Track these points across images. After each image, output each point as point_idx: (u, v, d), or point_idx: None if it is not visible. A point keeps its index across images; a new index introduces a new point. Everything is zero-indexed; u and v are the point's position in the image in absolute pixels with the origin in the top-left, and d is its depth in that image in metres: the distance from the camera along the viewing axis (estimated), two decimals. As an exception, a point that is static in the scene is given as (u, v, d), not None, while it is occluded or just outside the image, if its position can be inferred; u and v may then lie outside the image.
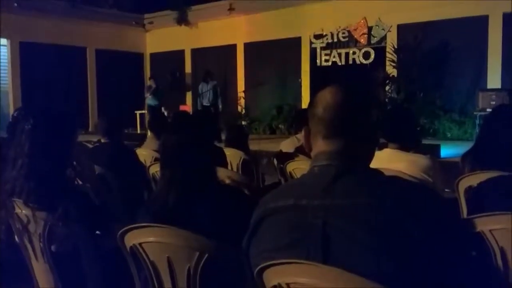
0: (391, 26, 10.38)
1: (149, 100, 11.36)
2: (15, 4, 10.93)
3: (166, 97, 11.66)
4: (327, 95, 1.25)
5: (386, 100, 10.00)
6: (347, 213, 1.12)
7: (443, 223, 1.16)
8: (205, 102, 10.51)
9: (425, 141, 8.35)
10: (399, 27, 10.28)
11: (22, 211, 1.82)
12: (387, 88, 10.08)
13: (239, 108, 12.58)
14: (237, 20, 12.44)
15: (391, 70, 10.14)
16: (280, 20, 11.69)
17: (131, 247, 1.48)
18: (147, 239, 1.43)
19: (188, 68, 13.94)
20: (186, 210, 1.52)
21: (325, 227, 1.12)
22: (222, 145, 3.86)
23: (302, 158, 3.29)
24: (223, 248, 1.38)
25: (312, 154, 1.28)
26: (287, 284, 1.12)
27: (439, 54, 9.54)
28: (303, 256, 1.12)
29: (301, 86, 11.02)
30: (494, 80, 9.04)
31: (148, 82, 12.38)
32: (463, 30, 9.33)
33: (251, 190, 2.58)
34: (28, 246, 1.87)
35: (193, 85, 13.47)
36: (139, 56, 14.54)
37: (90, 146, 4.03)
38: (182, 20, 13.23)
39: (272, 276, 1.15)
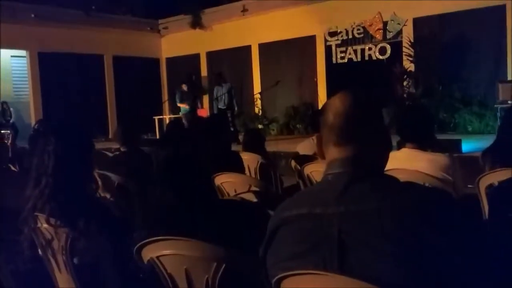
0: (406, 20, 10.25)
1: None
2: (32, 15, 11.17)
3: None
4: (337, 102, 1.24)
5: (404, 95, 9.90)
6: (361, 220, 1.11)
7: (459, 229, 1.14)
8: (221, 105, 10.53)
9: (445, 136, 8.25)
10: (415, 20, 10.14)
11: (44, 225, 1.85)
12: (405, 83, 9.97)
13: (256, 110, 12.59)
14: (250, 21, 12.45)
15: (408, 65, 10.03)
16: (293, 19, 11.66)
17: (148, 261, 1.49)
18: (163, 252, 1.44)
19: (204, 72, 14.01)
20: (193, 224, 1.51)
21: (340, 235, 1.12)
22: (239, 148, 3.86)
23: (320, 161, 3.27)
24: (240, 258, 1.39)
25: (325, 161, 1.28)
26: (305, 295, 1.12)
27: (456, 46, 9.38)
28: (319, 265, 1.12)
29: (317, 85, 10.94)
30: (515, 71, 8.86)
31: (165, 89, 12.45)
32: (480, 20, 9.16)
33: (269, 196, 2.57)
34: (51, 259, 1.91)
35: (210, 88, 13.54)
36: (155, 61, 14.67)
37: (110, 154, 4.09)
38: (196, 23, 13.32)
39: (289, 285, 1.15)
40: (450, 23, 9.53)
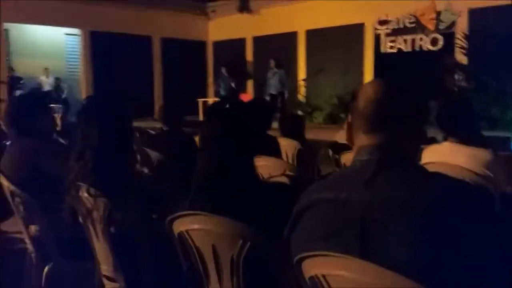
0: (461, 11, 9.84)
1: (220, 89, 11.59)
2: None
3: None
4: (368, 89, 1.24)
5: (455, 89, 9.56)
6: (387, 208, 1.11)
7: (488, 220, 1.13)
8: (272, 91, 10.60)
9: (495, 133, 7.92)
10: (470, 11, 9.71)
11: (85, 194, 1.95)
12: (456, 76, 9.62)
13: (299, 97, 12.53)
14: (298, 6, 12.30)
15: (461, 58, 9.66)
16: (342, 6, 11.43)
17: (178, 233, 1.55)
18: (192, 226, 1.49)
19: (249, 56, 14.03)
20: (226, 200, 1.54)
21: (363, 222, 1.13)
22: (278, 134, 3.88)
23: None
24: (265, 237, 1.42)
25: (354, 148, 1.28)
26: (323, 276, 1.14)
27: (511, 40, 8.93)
28: (341, 249, 1.13)
29: (362, 75, 10.72)
30: None
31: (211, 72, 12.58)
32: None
33: (305, 181, 2.58)
34: (90, 227, 2.01)
35: (255, 73, 13.58)
36: (202, 44, 14.82)
37: (153, 132, 4.21)
38: (244, 8, 13.33)
39: (309, 267, 1.17)
40: (507, 15, 9.07)
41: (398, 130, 1.21)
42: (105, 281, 2.10)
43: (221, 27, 14.49)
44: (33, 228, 2.40)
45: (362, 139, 1.24)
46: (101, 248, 2.04)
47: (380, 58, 11.15)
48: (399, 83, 1.26)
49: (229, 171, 1.56)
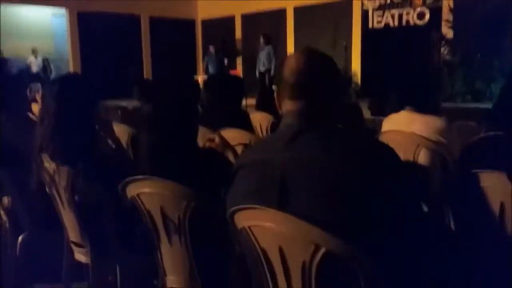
0: (448, -16, 9.83)
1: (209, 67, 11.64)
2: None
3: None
4: (292, 59, 1.32)
5: (441, 62, 9.61)
6: (303, 166, 1.21)
7: (399, 181, 1.22)
8: (261, 67, 10.66)
9: (481, 105, 8.02)
10: (457, -15, 9.71)
11: (49, 164, 2.05)
12: (442, 50, 9.66)
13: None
14: (287, -17, 12.25)
15: (446, 31, 9.68)
16: (330, -18, 11.40)
17: (130, 198, 1.65)
18: (142, 190, 1.60)
19: (238, 34, 13.99)
20: (172, 167, 1.65)
21: (282, 179, 1.22)
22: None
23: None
24: (207, 198, 1.53)
25: (281, 113, 1.37)
26: (249, 227, 1.24)
27: (497, 13, 8.94)
28: (264, 203, 1.23)
29: (345, 49, 10.74)
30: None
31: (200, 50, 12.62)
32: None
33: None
34: (56, 196, 2.11)
35: (244, 50, 13.57)
36: (191, 23, 14.74)
37: (130, 109, 4.28)
38: (232, -15, 13.22)
39: (239, 220, 1.28)
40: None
41: (318, 98, 1.29)
42: (74, 247, 2.22)
43: (210, 5, 14.38)
44: (5, 199, 2.50)
45: (287, 105, 1.33)
46: (67, 216, 2.14)
47: (368, 33, 11.17)
48: (319, 53, 1.35)
49: (173, 141, 1.67)
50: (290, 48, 12.65)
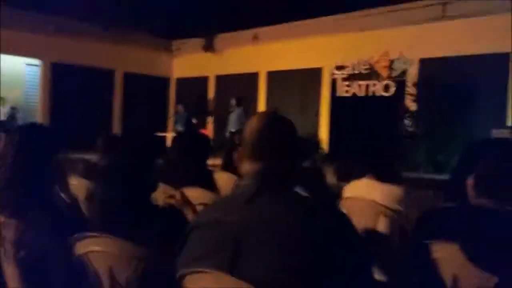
0: (412, 60, 10.40)
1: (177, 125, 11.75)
2: (50, 27, 11.55)
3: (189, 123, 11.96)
4: (253, 122, 1.35)
5: (404, 133, 9.97)
6: (258, 229, 1.20)
7: (350, 248, 1.22)
8: (232, 128, 10.83)
9: (442, 176, 8.25)
10: (421, 61, 10.29)
11: (-2, 216, 1.95)
12: (405, 121, 10.06)
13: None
14: (261, 48, 12.71)
15: (410, 104, 10.13)
16: (302, 51, 11.90)
17: (79, 256, 1.58)
18: (90, 248, 1.53)
19: (211, 94, 14.25)
20: (123, 224, 1.60)
21: (237, 242, 1.20)
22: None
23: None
24: (159, 258, 1.47)
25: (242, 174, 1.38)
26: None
27: (459, 89, 9.47)
28: (216, 267, 1.19)
29: (318, 116, 11.09)
30: (515, 117, 8.91)
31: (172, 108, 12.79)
32: (484, 66, 9.27)
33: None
34: (1, 250, 1.99)
35: (215, 110, 13.77)
36: (166, 81, 14.96)
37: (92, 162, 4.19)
38: (209, 47, 13.64)
39: (189, 283, 1.23)
40: (455, 66, 9.65)
41: (277, 159, 1.31)
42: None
43: (185, 64, 14.72)
44: None
45: (246, 166, 1.34)
46: (10, 274, 2.01)
47: (336, 101, 11.57)
48: (279, 117, 1.38)
49: (126, 197, 1.63)
50: (262, 110, 12.92)
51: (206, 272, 1.17)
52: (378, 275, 2.51)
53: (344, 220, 1.25)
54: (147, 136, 10.69)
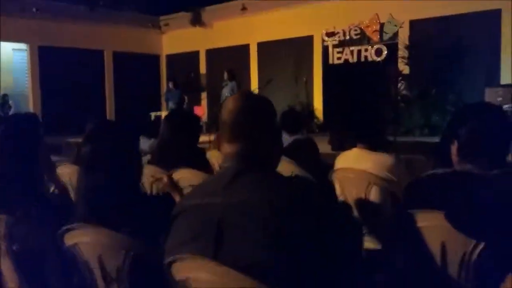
0: (403, 22, 10.27)
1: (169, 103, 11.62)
2: (34, 10, 11.32)
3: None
4: (230, 102, 1.33)
5: (399, 97, 9.94)
6: (240, 210, 1.19)
7: (333, 223, 1.22)
8: None
9: (437, 139, 8.26)
10: (411, 23, 10.16)
11: (-14, 211, 1.95)
12: (399, 85, 10.00)
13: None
14: (250, 19, 12.52)
15: (402, 67, 10.06)
16: (292, 19, 11.72)
17: (69, 247, 1.58)
18: (79, 239, 1.53)
19: (202, 69, 14.12)
20: (110, 213, 1.59)
21: (219, 225, 1.20)
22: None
23: (283, 159, 3.33)
24: (147, 246, 1.47)
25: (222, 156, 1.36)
26: (186, 278, 1.20)
27: (451, 50, 9.38)
28: (199, 252, 1.20)
29: (306, 85, 11.06)
30: (507, 75, 8.85)
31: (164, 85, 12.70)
32: (476, 25, 9.17)
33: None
34: (-5, 245, 2.00)
35: (208, 85, 13.66)
36: (156, 58, 14.79)
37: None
38: (196, 21, 13.43)
39: (176, 271, 1.24)
40: (446, 26, 9.53)
41: (255, 140, 1.29)
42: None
43: (175, 40, 14.53)
44: None
45: (226, 148, 1.32)
46: (6, 268, 2.02)
47: (329, 69, 11.47)
48: (256, 96, 1.36)
49: (112, 186, 1.61)
50: (254, 84, 12.82)
51: (190, 259, 1.17)
52: (372, 243, 2.53)
53: (325, 198, 1.25)
54: (140, 117, 10.61)
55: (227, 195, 1.22)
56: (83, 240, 1.55)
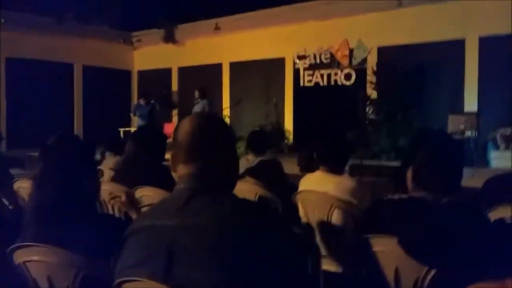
0: (371, 48, 10.55)
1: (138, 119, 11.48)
2: (2, 21, 11.09)
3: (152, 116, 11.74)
4: (185, 124, 1.33)
5: (366, 121, 10.14)
6: (191, 233, 1.18)
7: (284, 246, 1.22)
8: None
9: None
10: (379, 49, 10.45)
11: None
12: (367, 109, 10.22)
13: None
14: (223, 39, 12.61)
15: (371, 92, 10.29)
16: (265, 40, 11.88)
17: (18, 265, 1.52)
18: (29, 257, 1.48)
19: (174, 86, 14.08)
20: (62, 231, 1.55)
21: (170, 246, 1.18)
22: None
23: (248, 180, 3.34)
24: (98, 266, 1.44)
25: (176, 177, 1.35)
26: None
27: (417, 76, 9.68)
28: (150, 273, 1.17)
29: (275, 106, 11.22)
30: (471, 103, 9.18)
31: (135, 101, 12.57)
32: (441, 53, 9.50)
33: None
34: None
35: (180, 103, 13.61)
36: (127, 74, 14.67)
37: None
38: (169, 38, 13.42)
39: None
40: (413, 53, 9.85)
41: (210, 161, 1.29)
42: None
43: (147, 56, 14.47)
44: None
45: (180, 169, 1.31)
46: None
47: (300, 90, 11.63)
48: (211, 118, 1.36)
49: (63, 202, 1.57)
50: (226, 102, 12.86)
51: (141, 281, 1.14)
52: (332, 266, 2.54)
53: (278, 222, 1.25)
54: (109, 133, 10.43)
55: (180, 217, 1.21)
56: (32, 258, 1.49)
